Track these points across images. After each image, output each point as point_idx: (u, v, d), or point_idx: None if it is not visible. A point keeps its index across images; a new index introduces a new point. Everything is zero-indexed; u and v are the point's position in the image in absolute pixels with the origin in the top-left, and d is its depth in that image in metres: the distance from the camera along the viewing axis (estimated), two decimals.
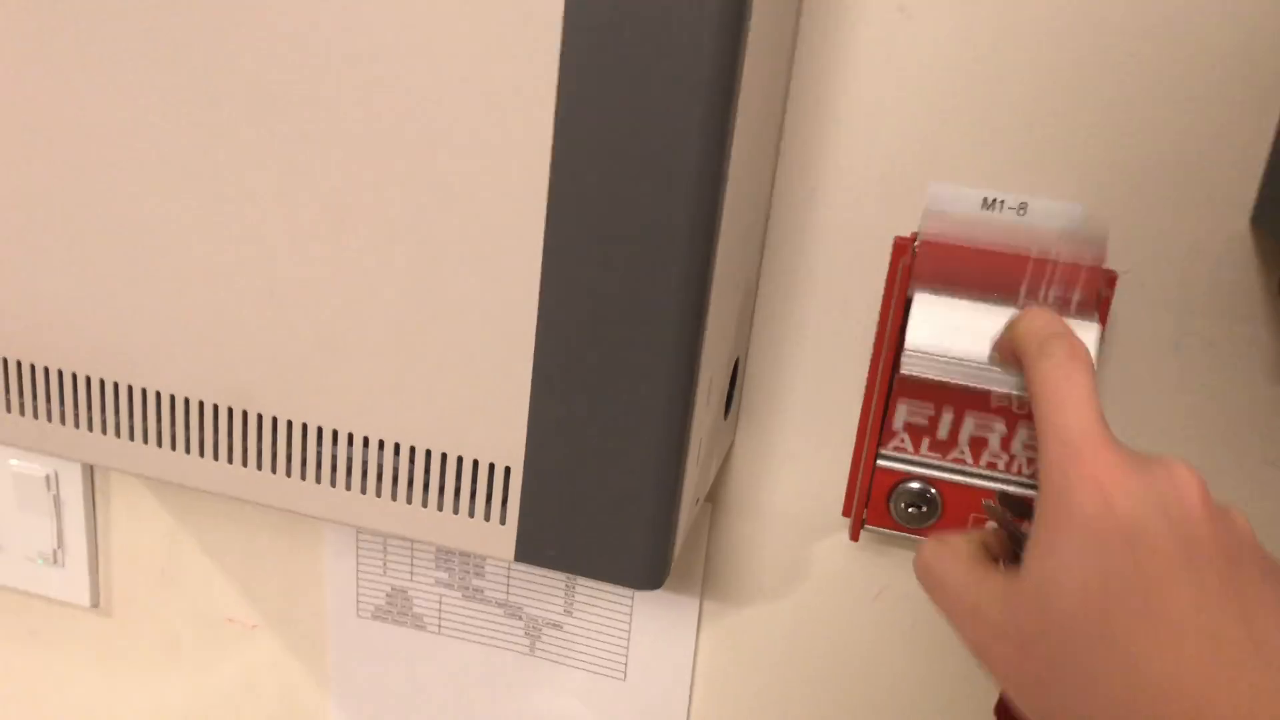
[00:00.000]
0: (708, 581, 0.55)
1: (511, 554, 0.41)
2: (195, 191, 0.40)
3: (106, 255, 0.42)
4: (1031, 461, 0.43)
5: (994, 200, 0.45)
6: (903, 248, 0.44)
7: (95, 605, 0.65)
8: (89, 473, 0.62)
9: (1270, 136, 0.42)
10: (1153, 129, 0.43)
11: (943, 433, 0.42)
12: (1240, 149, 0.42)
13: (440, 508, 0.41)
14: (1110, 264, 0.44)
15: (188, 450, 0.43)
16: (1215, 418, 0.46)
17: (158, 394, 0.43)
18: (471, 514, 0.41)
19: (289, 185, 0.39)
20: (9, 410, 0.45)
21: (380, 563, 0.59)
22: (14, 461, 0.61)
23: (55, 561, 0.64)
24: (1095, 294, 0.41)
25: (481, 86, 0.36)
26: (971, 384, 0.40)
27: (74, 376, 0.44)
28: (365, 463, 0.41)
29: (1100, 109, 0.43)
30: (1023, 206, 0.44)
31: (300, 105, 0.38)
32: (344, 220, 0.38)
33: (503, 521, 0.41)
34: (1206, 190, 0.43)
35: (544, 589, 0.57)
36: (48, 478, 0.61)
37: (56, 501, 0.62)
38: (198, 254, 0.40)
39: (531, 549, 0.41)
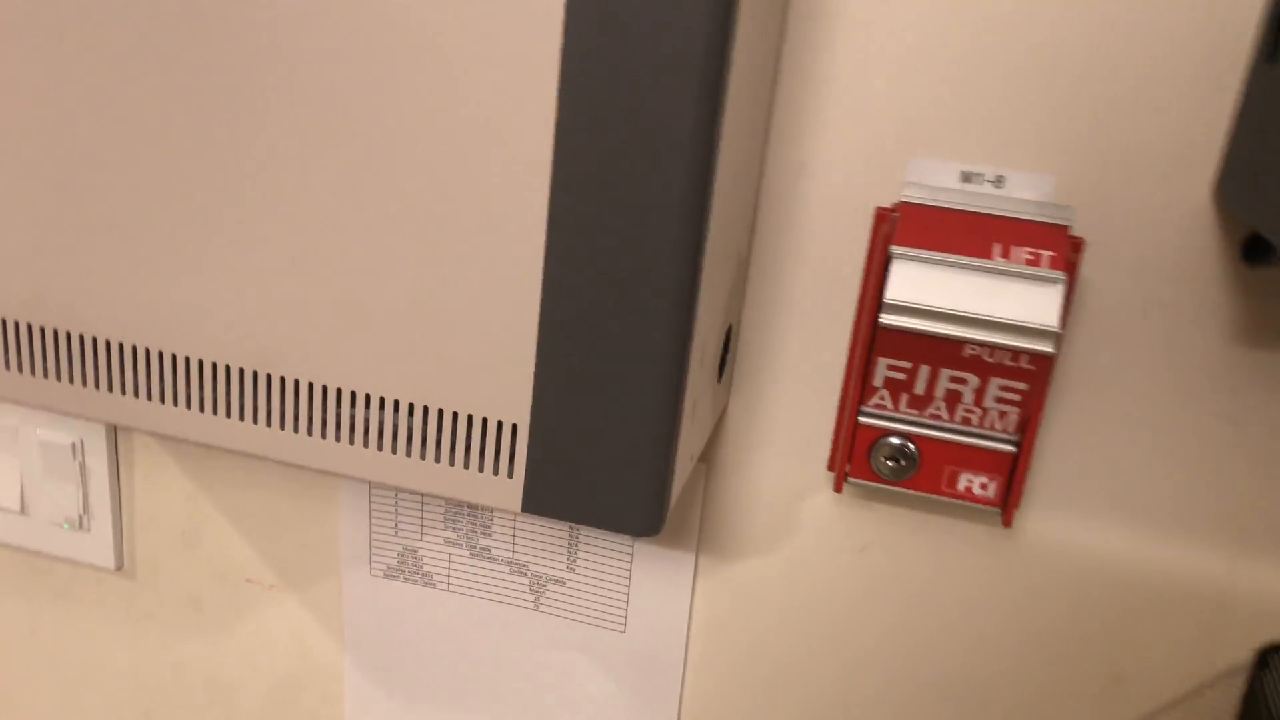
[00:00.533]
0: (703, 537, 0.55)
1: (519, 506, 0.42)
2: (218, 161, 0.41)
3: (135, 226, 0.42)
4: (1004, 415, 0.45)
5: (972, 174, 0.46)
6: (884, 217, 0.46)
7: (119, 568, 0.66)
8: (113, 440, 0.62)
9: (1229, 114, 0.43)
10: (1121, 107, 0.44)
11: (919, 388, 0.44)
12: (1202, 126, 0.43)
13: (452, 463, 0.42)
14: (1081, 234, 0.45)
15: (214, 412, 0.44)
16: (1179, 377, 0.47)
17: (186, 360, 0.44)
18: (481, 468, 0.42)
19: (308, 156, 0.40)
20: (45, 375, 0.46)
21: (392, 524, 0.60)
22: (41, 431, 0.62)
23: (81, 526, 0.64)
24: (1065, 256, 0.42)
25: (488, 56, 0.37)
26: (946, 332, 0.41)
27: (106, 343, 0.45)
28: (382, 422, 0.42)
29: (1072, 88, 0.44)
30: (999, 179, 0.46)
31: (318, 74, 0.38)
32: (360, 189, 0.40)
33: (510, 475, 0.42)
34: (1171, 165, 0.44)
35: (548, 547, 0.58)
36: (73, 446, 0.62)
37: (82, 469, 0.63)
38: (222, 224, 0.41)
39: (537, 500, 0.42)
